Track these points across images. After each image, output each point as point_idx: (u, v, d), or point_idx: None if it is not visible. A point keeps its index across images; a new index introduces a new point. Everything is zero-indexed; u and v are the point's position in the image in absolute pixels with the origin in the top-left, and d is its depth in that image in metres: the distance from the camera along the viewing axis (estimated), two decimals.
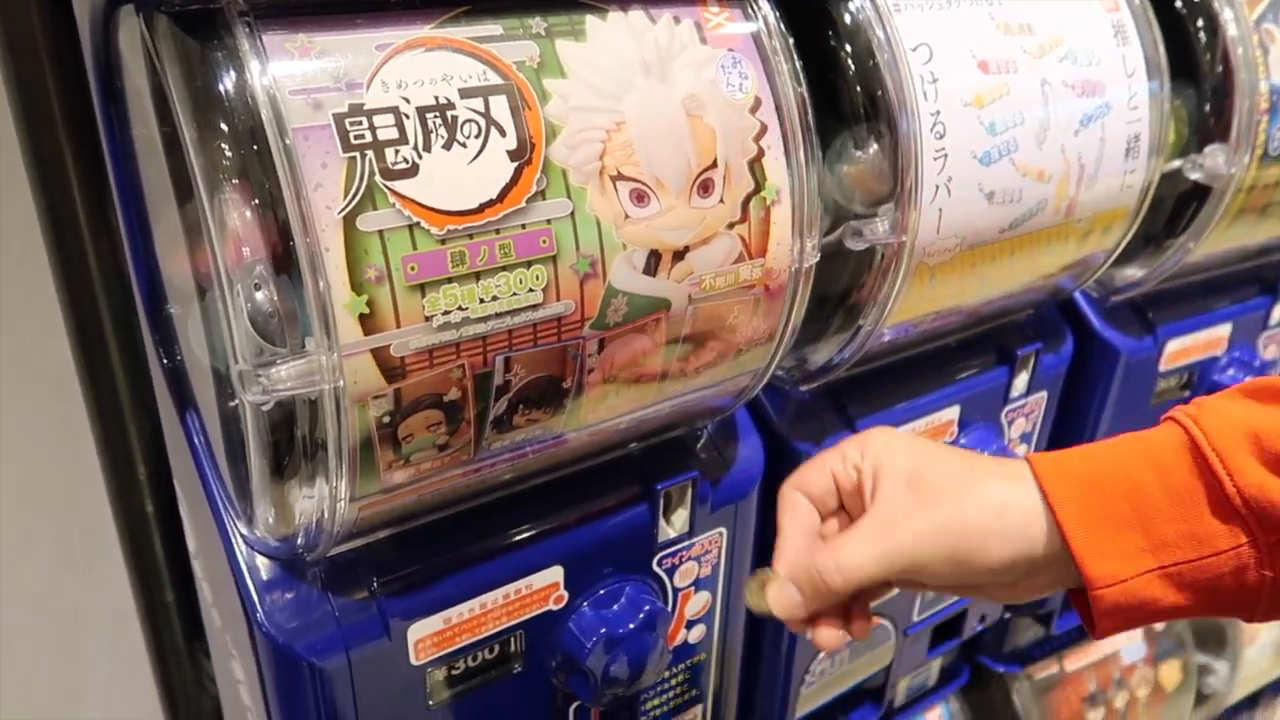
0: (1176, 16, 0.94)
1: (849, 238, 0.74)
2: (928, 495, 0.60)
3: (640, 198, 0.60)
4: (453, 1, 0.57)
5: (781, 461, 0.86)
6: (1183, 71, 0.93)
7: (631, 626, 0.74)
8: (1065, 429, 1.11)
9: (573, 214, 0.57)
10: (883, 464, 0.62)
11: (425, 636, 0.68)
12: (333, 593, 0.65)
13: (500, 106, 0.55)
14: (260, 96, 0.50)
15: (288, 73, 0.51)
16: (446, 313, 0.54)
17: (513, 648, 0.74)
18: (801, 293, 0.69)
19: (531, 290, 0.57)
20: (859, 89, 0.72)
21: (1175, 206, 1.00)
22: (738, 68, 0.64)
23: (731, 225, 0.64)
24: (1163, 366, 1.12)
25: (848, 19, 0.72)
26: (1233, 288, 1.17)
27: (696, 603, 0.83)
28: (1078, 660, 1.42)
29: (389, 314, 0.53)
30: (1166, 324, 1.10)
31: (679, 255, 0.62)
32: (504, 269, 0.56)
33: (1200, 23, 0.94)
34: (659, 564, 0.79)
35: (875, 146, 0.73)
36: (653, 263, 0.61)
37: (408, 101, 0.53)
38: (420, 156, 0.53)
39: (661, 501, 0.76)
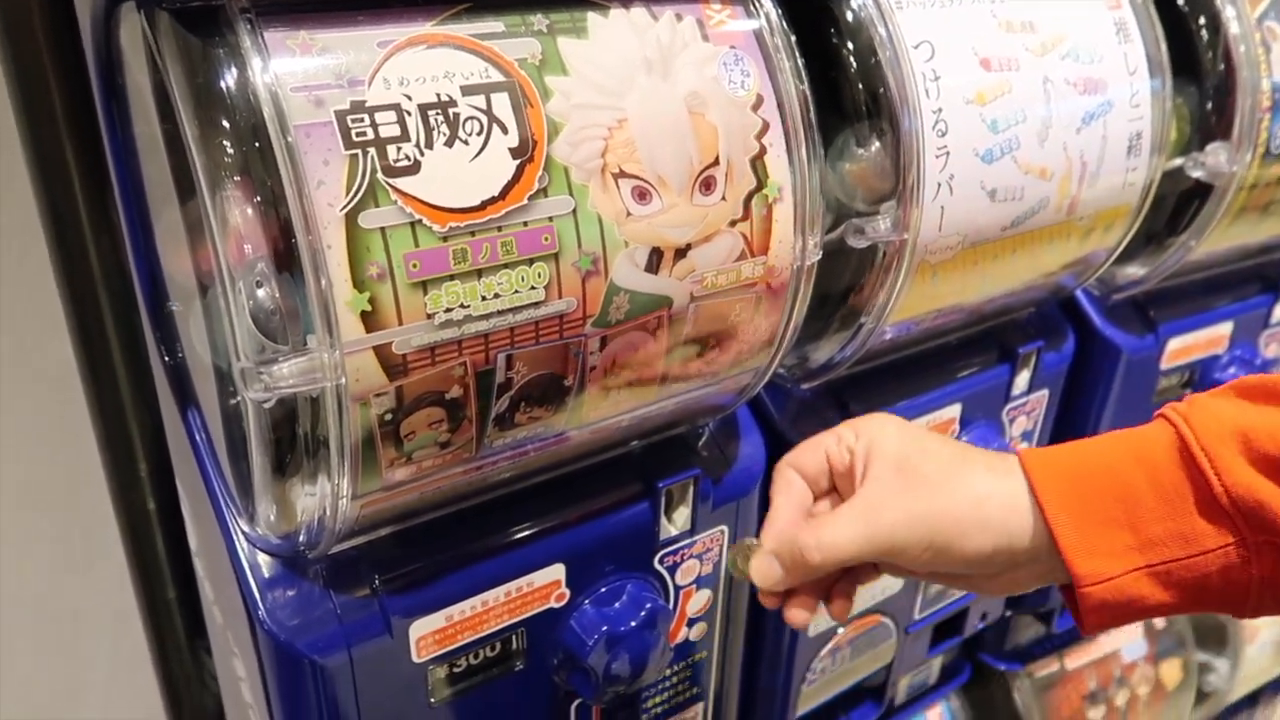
0: (1178, 14, 0.94)
1: (851, 235, 0.74)
2: (914, 482, 0.61)
3: (642, 195, 0.60)
4: None
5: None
6: (1185, 69, 0.93)
7: (633, 624, 0.74)
8: (1066, 427, 1.11)
9: (575, 211, 0.57)
10: (875, 448, 0.63)
11: (427, 634, 0.68)
12: (334, 590, 0.65)
13: (502, 104, 0.55)
14: (262, 93, 0.50)
15: (289, 70, 0.51)
16: (448, 310, 0.54)
17: (514, 645, 0.74)
18: (803, 291, 0.69)
19: (533, 288, 0.57)
20: (861, 86, 0.72)
21: (1177, 205, 1.00)
22: (740, 65, 0.64)
23: (733, 223, 0.64)
24: (1164, 365, 1.12)
25: (850, 16, 0.71)
26: (1234, 286, 1.17)
27: (698, 600, 0.83)
28: (1078, 658, 1.42)
29: (391, 311, 0.53)
30: (1168, 322, 1.10)
31: (681, 253, 0.62)
32: (506, 266, 0.55)
33: (1202, 20, 0.94)
34: (660, 562, 0.79)
35: (877, 144, 0.73)
36: (654, 260, 0.61)
37: (409, 99, 0.53)
38: (422, 154, 0.53)
39: (663, 499, 0.76)
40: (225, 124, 0.53)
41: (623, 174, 0.59)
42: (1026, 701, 1.36)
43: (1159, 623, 1.50)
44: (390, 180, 0.52)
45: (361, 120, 0.52)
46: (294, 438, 0.60)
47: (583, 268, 0.58)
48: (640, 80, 0.60)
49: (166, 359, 0.73)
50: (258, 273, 0.54)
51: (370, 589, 0.66)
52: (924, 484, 0.61)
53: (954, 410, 0.96)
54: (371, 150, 0.52)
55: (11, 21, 0.76)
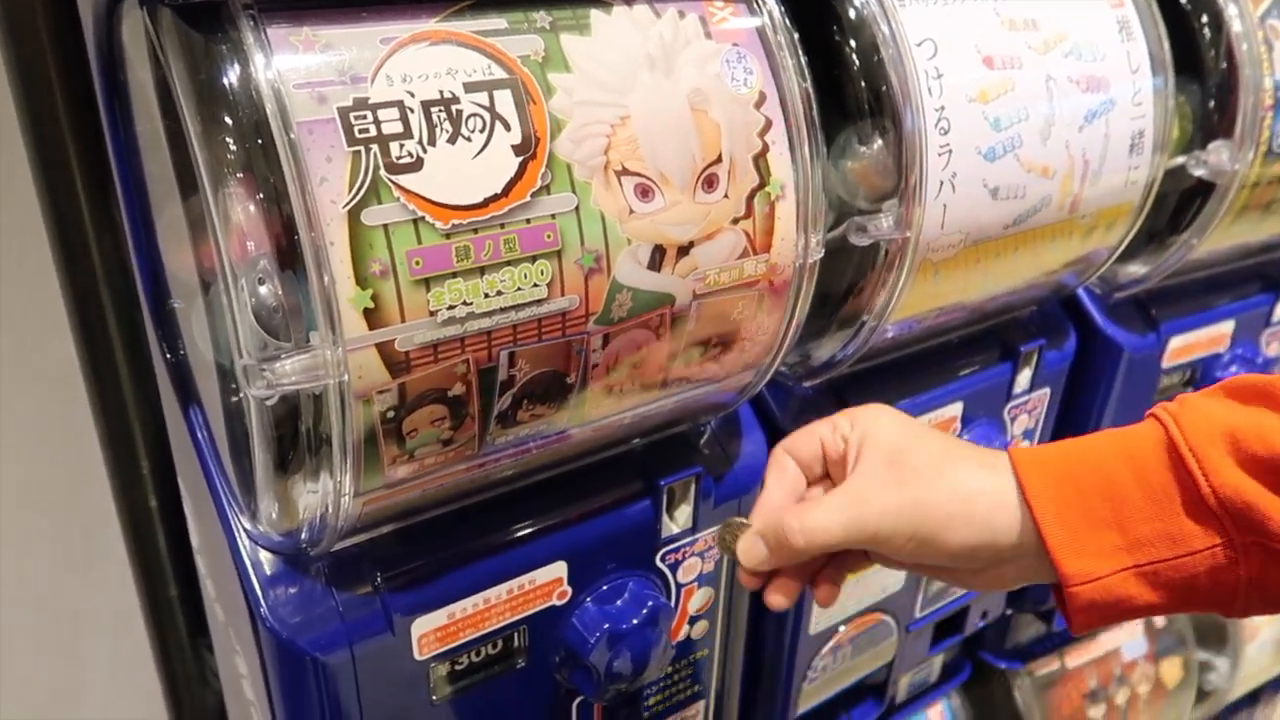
0: (1181, 12, 0.94)
1: (853, 233, 0.74)
2: (903, 473, 0.61)
3: (645, 193, 0.60)
4: None
5: None
6: (1187, 68, 0.93)
7: (635, 622, 0.74)
8: (1068, 426, 1.10)
9: (577, 209, 0.57)
10: (868, 438, 0.64)
11: (429, 632, 0.68)
12: (336, 588, 0.65)
13: (505, 101, 0.55)
14: (265, 90, 0.50)
15: (292, 66, 0.51)
16: (451, 307, 0.54)
17: (516, 643, 0.74)
18: (805, 288, 0.69)
19: (536, 285, 0.57)
20: (863, 84, 0.72)
21: (1179, 203, 1.00)
22: (742, 62, 0.64)
23: (736, 220, 0.64)
24: (1165, 363, 1.12)
25: (852, 14, 0.71)
26: (1236, 285, 1.17)
27: (699, 598, 0.83)
28: (1079, 657, 1.42)
29: (393, 308, 0.53)
30: (1169, 321, 1.10)
31: (683, 250, 0.62)
32: (508, 264, 0.55)
33: (1205, 19, 0.94)
34: (662, 559, 0.79)
35: (880, 142, 0.73)
36: (657, 258, 0.61)
37: (412, 95, 0.53)
38: (425, 151, 0.53)
39: (665, 497, 0.76)
40: (228, 121, 0.53)
41: (625, 171, 0.59)
42: (1027, 700, 1.36)
43: (1159, 621, 1.50)
44: (393, 177, 0.52)
45: (364, 117, 0.52)
46: (296, 435, 0.60)
47: (585, 265, 0.58)
48: (643, 77, 0.60)
49: (168, 356, 0.73)
50: (260, 270, 0.54)
51: (372, 586, 0.66)
52: (913, 476, 0.61)
53: (955, 408, 0.96)
54: (374, 147, 0.51)
55: (14, 18, 0.76)
